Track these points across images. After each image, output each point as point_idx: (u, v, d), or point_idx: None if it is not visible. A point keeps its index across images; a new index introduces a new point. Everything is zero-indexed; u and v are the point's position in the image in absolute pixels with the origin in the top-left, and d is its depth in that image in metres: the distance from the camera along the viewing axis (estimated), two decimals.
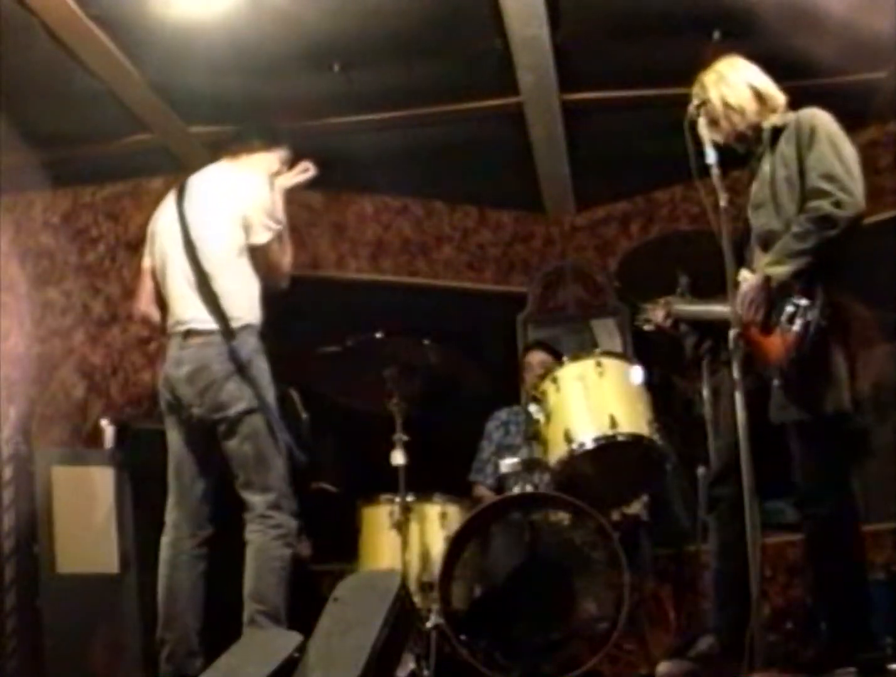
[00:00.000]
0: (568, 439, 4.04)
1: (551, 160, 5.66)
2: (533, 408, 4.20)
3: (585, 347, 5.82)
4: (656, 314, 3.72)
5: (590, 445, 4.01)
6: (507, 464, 4.27)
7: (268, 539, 3.60)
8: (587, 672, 3.68)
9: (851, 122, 5.31)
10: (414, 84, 4.90)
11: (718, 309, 3.50)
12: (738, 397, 2.98)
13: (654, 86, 4.88)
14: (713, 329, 3.52)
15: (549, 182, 5.97)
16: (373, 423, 4.42)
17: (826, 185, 3.27)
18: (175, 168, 4.86)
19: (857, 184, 3.32)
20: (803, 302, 3.13)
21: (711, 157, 3.18)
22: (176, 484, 3.78)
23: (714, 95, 3.44)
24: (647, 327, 3.83)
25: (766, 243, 3.39)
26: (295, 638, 3.05)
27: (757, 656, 2.92)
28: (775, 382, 3.25)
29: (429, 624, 3.79)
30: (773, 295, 3.26)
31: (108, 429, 4.91)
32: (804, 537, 3.38)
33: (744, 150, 3.54)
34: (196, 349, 3.68)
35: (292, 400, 4.02)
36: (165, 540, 3.75)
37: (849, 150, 3.36)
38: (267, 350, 3.81)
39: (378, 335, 4.12)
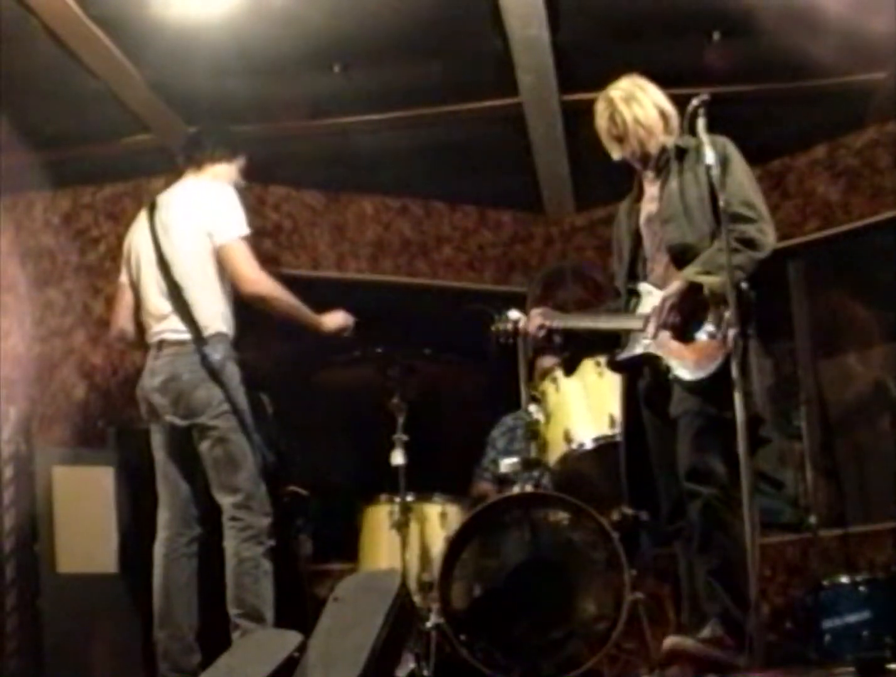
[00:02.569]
0: (568, 439, 4.04)
1: (551, 160, 5.66)
2: (533, 408, 4.20)
3: None
4: (532, 324, 3.68)
5: (589, 445, 4.02)
6: (507, 463, 4.27)
7: (238, 542, 3.67)
8: (587, 671, 3.69)
9: (851, 122, 5.39)
10: (414, 84, 4.90)
11: (589, 320, 3.55)
12: (738, 397, 2.97)
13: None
14: (590, 344, 3.56)
15: (549, 182, 5.97)
16: (373, 423, 4.42)
17: (748, 212, 3.34)
18: (175, 168, 4.85)
19: (768, 211, 3.42)
20: (729, 313, 3.12)
21: (710, 156, 3.18)
22: (163, 485, 3.88)
23: (626, 114, 3.50)
24: (502, 340, 3.81)
25: (680, 256, 3.42)
26: (295, 638, 3.06)
27: (757, 656, 2.92)
28: (684, 378, 3.29)
29: (429, 624, 3.80)
30: (695, 303, 3.30)
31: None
32: (688, 518, 3.37)
33: (640, 167, 3.59)
34: (169, 359, 3.79)
35: (263, 405, 4.02)
36: (158, 539, 3.83)
37: (757, 187, 3.46)
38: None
39: (379, 350, 4.16)
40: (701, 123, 3.21)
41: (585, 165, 5.72)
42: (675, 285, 3.36)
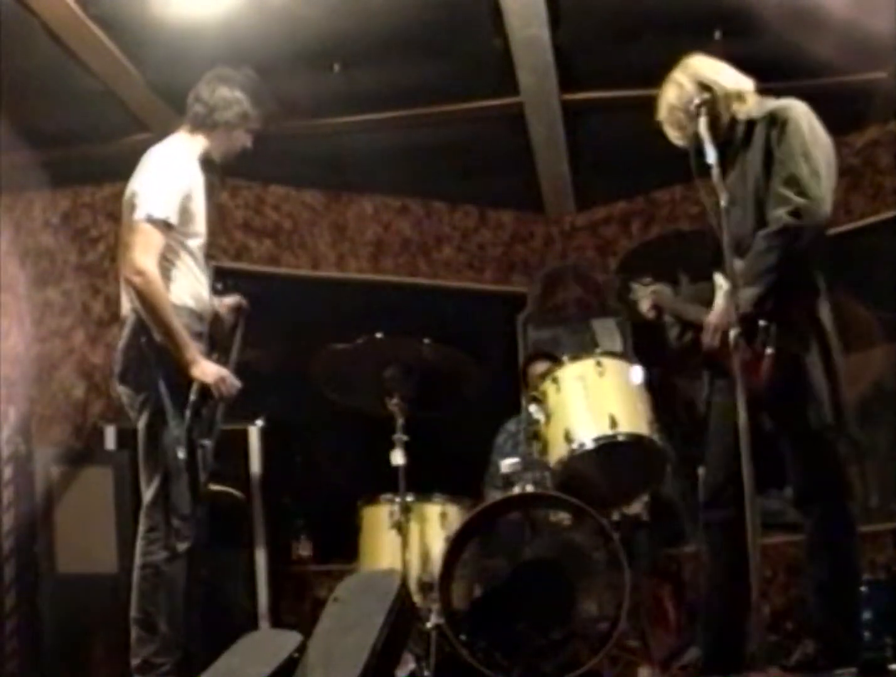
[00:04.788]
0: (568, 439, 4.02)
1: (551, 160, 5.66)
2: (533, 408, 4.19)
3: (585, 347, 5.82)
4: (645, 303, 3.67)
5: (590, 445, 4.00)
6: (508, 464, 4.26)
7: (145, 544, 3.45)
8: (588, 672, 3.68)
9: (851, 122, 5.39)
10: (414, 84, 4.90)
11: (694, 311, 3.50)
12: (739, 397, 2.97)
13: (654, 86, 4.87)
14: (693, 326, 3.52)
15: (549, 182, 5.97)
16: (373, 423, 4.42)
17: (786, 191, 3.17)
18: None
19: (821, 186, 3.17)
20: (768, 325, 3.09)
21: (711, 156, 3.16)
22: None
23: (662, 99, 3.45)
24: (641, 308, 3.73)
25: (738, 246, 3.28)
26: (295, 638, 3.06)
27: (757, 656, 2.92)
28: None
29: (429, 624, 3.79)
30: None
31: (108, 429, 4.92)
32: (804, 538, 3.37)
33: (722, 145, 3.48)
34: (123, 334, 3.56)
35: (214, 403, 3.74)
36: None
37: (820, 148, 3.23)
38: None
39: (378, 335, 4.11)
40: (702, 123, 3.20)
41: (585, 165, 5.73)
42: (720, 306, 3.30)
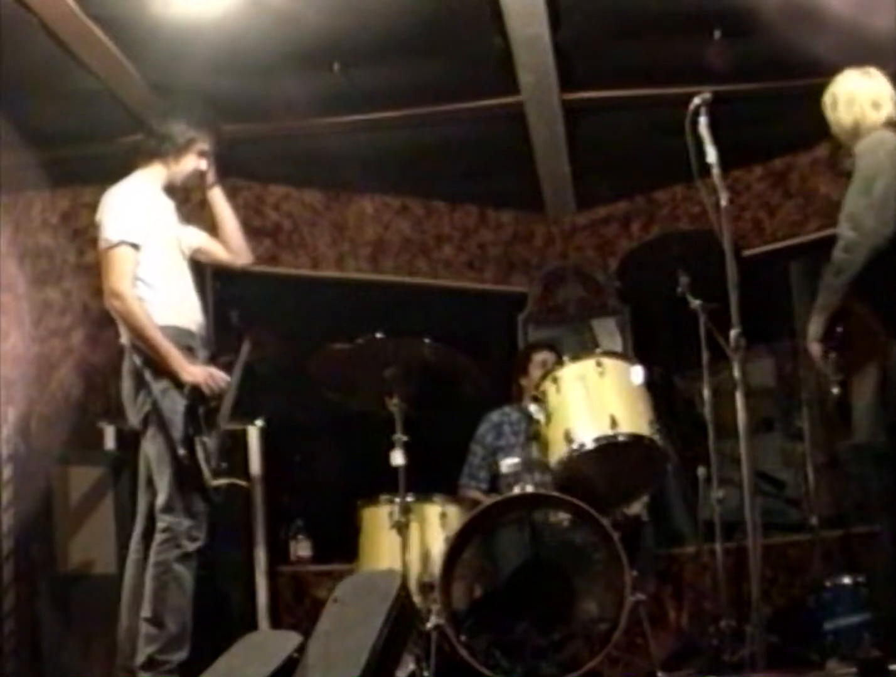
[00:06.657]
0: (568, 439, 4.03)
1: (551, 160, 5.65)
2: (533, 408, 4.19)
3: (586, 347, 5.82)
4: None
5: (590, 445, 4.01)
6: (508, 464, 4.26)
7: (157, 544, 3.58)
8: (588, 672, 3.68)
9: None
10: (414, 84, 4.89)
11: None
12: (740, 397, 2.98)
13: (654, 86, 4.88)
14: None
15: (549, 182, 5.97)
16: (373, 423, 4.42)
17: (841, 228, 3.37)
18: None
19: (880, 215, 3.33)
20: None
21: (712, 155, 3.17)
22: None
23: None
24: None
25: None
26: (295, 638, 3.06)
27: (757, 656, 2.92)
28: None
29: (429, 625, 3.79)
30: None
31: (107, 429, 4.92)
32: None
33: None
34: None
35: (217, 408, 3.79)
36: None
37: (886, 178, 3.37)
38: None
39: (378, 335, 4.11)
40: (703, 122, 3.20)
41: (586, 164, 5.72)
42: None
